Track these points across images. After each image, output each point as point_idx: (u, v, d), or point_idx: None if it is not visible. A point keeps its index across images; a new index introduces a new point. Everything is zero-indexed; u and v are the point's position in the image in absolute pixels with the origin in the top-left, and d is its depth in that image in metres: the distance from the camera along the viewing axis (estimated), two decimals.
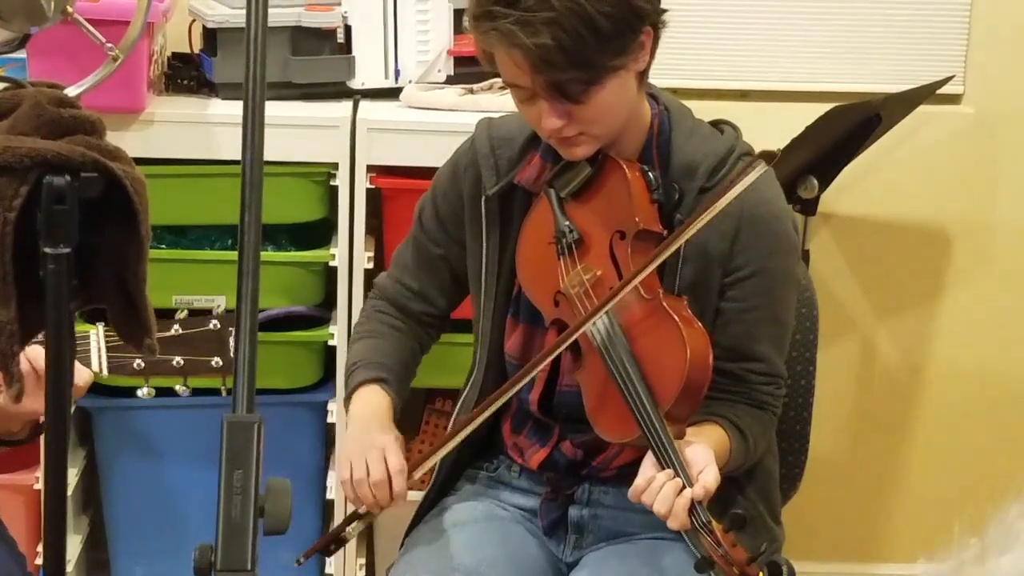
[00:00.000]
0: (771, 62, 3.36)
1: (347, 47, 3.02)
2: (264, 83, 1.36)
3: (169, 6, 2.94)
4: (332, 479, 3.04)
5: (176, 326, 2.10)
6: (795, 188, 3.10)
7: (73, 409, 2.49)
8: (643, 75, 2.14)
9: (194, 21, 3.06)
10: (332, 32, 3.01)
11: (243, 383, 1.29)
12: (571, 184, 2.18)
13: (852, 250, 3.45)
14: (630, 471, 2.09)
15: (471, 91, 2.99)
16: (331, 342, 3.00)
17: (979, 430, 3.52)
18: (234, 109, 2.85)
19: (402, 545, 2.33)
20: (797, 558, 2.38)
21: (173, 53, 3.12)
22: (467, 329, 2.38)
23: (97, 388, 2.78)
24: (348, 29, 3.01)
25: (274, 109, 2.82)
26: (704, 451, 2.04)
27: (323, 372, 3.11)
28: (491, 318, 2.28)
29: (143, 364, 2.08)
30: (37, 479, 2.99)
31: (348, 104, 2.97)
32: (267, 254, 2.97)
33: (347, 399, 2.30)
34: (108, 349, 2.06)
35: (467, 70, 3.04)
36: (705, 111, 2.28)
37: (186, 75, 3.07)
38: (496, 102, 2.90)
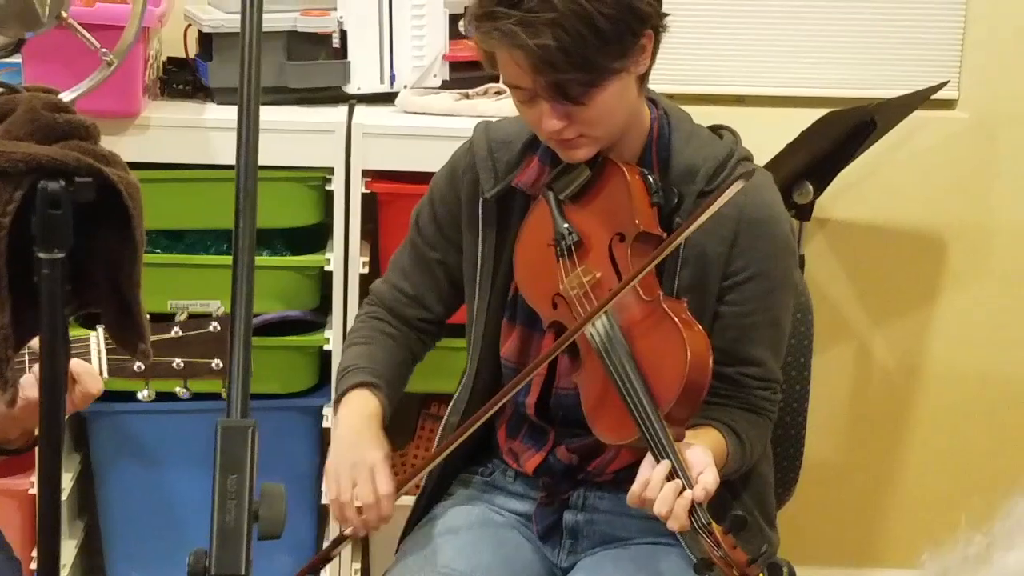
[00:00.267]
0: (766, 67, 3.36)
1: (343, 52, 3.01)
2: (259, 88, 1.36)
3: (164, 11, 2.94)
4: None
5: (176, 328, 2.09)
6: (790, 193, 3.10)
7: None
8: (644, 78, 2.15)
9: (189, 26, 3.05)
10: (327, 37, 3.01)
11: (238, 388, 1.28)
12: (570, 187, 2.18)
13: (847, 255, 3.45)
14: (625, 476, 2.09)
15: (467, 96, 2.99)
16: (326, 347, 3.00)
17: (977, 432, 3.52)
18: (229, 114, 2.87)
19: (397, 550, 2.33)
20: (794, 562, 2.37)
21: (168, 58, 3.12)
22: (463, 334, 2.38)
23: None
24: (344, 34, 3.01)
25: (269, 114, 2.83)
26: (703, 453, 2.04)
27: (318, 377, 3.11)
28: (484, 320, 2.27)
29: (143, 366, 2.08)
30: (32, 484, 2.98)
31: (343, 109, 2.97)
32: (262, 259, 2.96)
33: (336, 402, 2.30)
34: (108, 352, 2.05)
35: (463, 75, 3.04)
36: (701, 116, 2.28)
37: (181, 80, 3.07)
38: (492, 107, 2.90)
